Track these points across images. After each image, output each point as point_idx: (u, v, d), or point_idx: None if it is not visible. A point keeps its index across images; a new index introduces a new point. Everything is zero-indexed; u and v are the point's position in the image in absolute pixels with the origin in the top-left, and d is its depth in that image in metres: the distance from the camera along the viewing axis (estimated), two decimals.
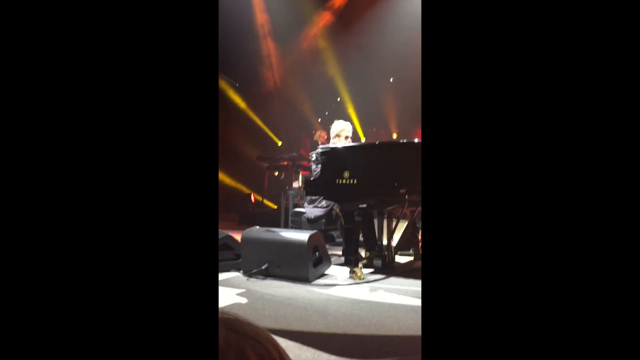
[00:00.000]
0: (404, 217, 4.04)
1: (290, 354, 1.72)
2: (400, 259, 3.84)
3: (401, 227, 3.86)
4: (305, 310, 2.34)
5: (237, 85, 8.18)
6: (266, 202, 7.71)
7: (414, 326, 2.07)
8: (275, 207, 7.12)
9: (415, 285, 2.93)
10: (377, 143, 3.87)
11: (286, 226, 4.79)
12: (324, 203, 4.04)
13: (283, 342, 1.84)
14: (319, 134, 6.12)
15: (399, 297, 2.63)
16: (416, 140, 3.15)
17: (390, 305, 2.46)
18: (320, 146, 3.53)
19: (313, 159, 3.43)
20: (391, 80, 9.09)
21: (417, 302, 2.52)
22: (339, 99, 9.34)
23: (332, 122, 3.86)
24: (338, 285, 2.95)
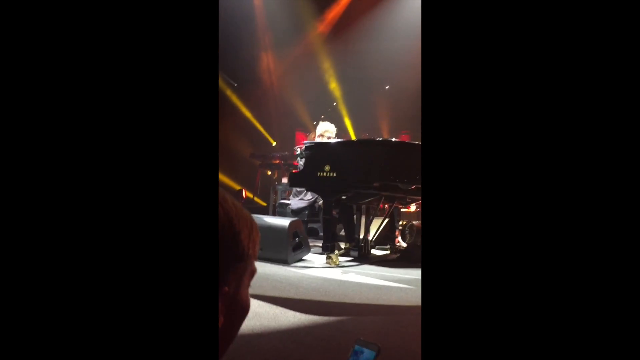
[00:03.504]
0: (381, 214, 4.32)
1: (261, 310, 1.99)
2: (377, 252, 4.12)
3: (377, 223, 4.14)
4: (280, 283, 2.61)
5: (235, 85, 8.46)
6: (257, 199, 7.95)
7: (373, 298, 2.35)
8: (265, 204, 7.37)
9: (385, 271, 3.20)
10: (355, 140, 4.16)
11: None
12: (308, 196, 4.32)
13: (256, 302, 2.11)
14: (312, 137, 6.42)
15: (367, 278, 2.91)
16: (393, 139, 3.44)
17: (357, 283, 2.74)
18: (305, 141, 3.81)
19: (298, 152, 3.71)
20: (387, 87, 9.41)
21: (383, 282, 2.80)
22: (335, 104, 9.63)
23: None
24: (314, 267, 3.22)
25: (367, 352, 0.71)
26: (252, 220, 0.57)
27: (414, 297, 2.46)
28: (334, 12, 8.85)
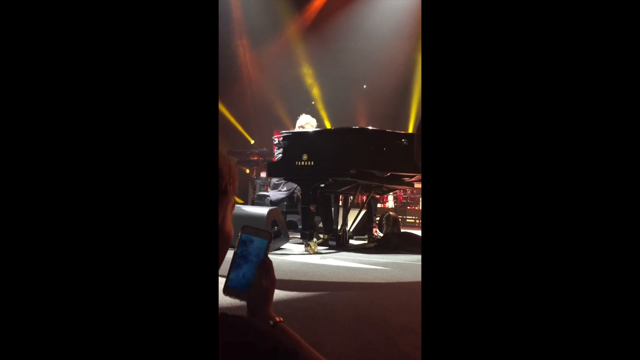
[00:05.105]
0: (357, 207, 4.40)
1: None
2: (354, 242, 4.18)
3: (354, 213, 4.21)
4: None
5: None
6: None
7: (350, 277, 2.41)
8: (243, 202, 7.35)
9: (362, 257, 3.27)
10: (332, 129, 4.23)
11: None
12: (286, 188, 4.35)
13: None
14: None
15: (345, 262, 2.96)
16: (370, 127, 3.52)
17: (334, 266, 2.79)
18: (283, 131, 3.85)
19: (276, 142, 3.74)
20: (365, 87, 9.52)
21: (357, 264, 2.86)
22: (313, 103, 9.68)
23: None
24: (293, 254, 3.25)
25: (258, 241, 0.64)
26: (228, 159, 0.62)
27: (389, 276, 2.53)
28: (312, 9, 8.91)
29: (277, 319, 0.69)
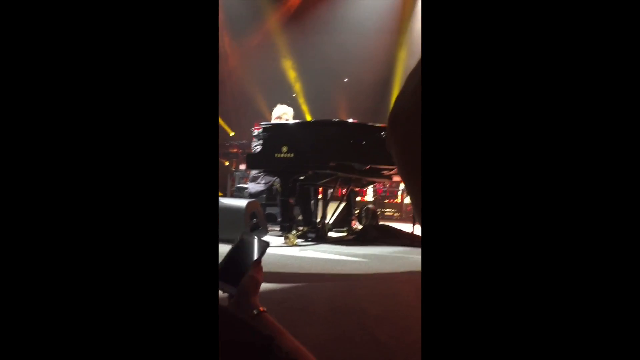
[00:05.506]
0: (337, 199, 4.42)
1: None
2: (333, 234, 4.20)
3: (333, 206, 4.23)
4: None
5: None
6: None
7: (328, 269, 2.42)
8: (222, 194, 7.29)
9: (340, 249, 3.29)
10: (312, 121, 4.22)
11: None
12: (264, 180, 4.33)
13: None
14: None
15: (323, 254, 2.98)
16: (350, 120, 3.53)
17: (313, 258, 2.80)
18: (262, 123, 3.82)
19: (255, 134, 3.71)
20: (346, 80, 9.52)
21: (336, 256, 2.88)
22: (294, 95, 9.62)
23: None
24: (272, 247, 3.25)
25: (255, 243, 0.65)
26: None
27: (367, 267, 2.56)
28: (292, 1, 8.82)
29: (261, 308, 0.70)
